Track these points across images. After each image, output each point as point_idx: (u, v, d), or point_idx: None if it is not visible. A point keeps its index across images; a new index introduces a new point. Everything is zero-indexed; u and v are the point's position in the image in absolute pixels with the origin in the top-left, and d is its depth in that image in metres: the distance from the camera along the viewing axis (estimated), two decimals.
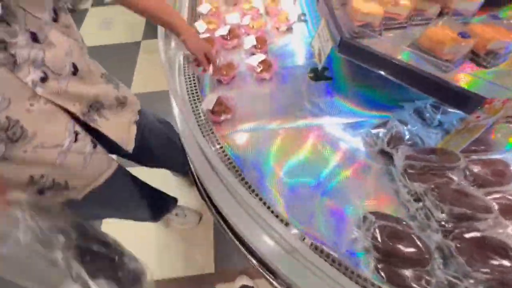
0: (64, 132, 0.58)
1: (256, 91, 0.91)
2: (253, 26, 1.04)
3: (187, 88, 0.87)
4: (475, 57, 0.64)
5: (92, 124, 0.64)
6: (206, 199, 0.78)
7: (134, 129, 0.79)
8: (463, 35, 0.61)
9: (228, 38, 0.99)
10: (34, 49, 0.50)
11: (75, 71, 0.59)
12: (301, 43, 1.03)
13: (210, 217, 1.31)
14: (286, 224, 0.63)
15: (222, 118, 0.82)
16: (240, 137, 0.80)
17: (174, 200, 1.28)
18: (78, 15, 2.41)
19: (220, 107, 0.82)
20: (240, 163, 0.74)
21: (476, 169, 0.63)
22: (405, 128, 0.72)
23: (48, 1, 0.55)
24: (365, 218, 0.60)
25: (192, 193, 1.43)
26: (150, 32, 2.18)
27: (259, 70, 0.90)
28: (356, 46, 0.67)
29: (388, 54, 0.65)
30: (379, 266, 0.55)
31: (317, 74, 0.93)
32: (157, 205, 1.14)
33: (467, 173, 0.63)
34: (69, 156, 0.60)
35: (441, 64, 0.62)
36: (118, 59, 2.06)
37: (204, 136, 0.77)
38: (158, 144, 0.96)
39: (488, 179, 0.62)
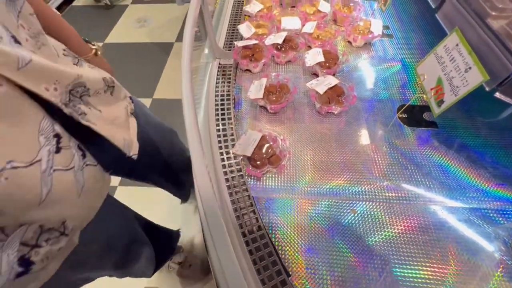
0: (36, 136, 0.32)
1: (317, 129, 0.61)
2: (318, 36, 0.75)
3: (217, 118, 0.59)
4: None
5: (82, 121, 0.37)
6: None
7: (134, 123, 0.52)
8: None
9: (283, 49, 0.71)
10: None
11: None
12: (384, 66, 0.73)
13: None
14: None
15: (265, 170, 0.52)
16: (286, 207, 0.50)
17: (177, 235, 0.99)
18: (116, 11, 2.30)
19: (262, 153, 0.53)
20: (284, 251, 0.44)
21: None
22: None
23: None
24: None
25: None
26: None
27: (326, 101, 0.61)
28: None
29: None
30: None
31: (415, 116, 0.61)
32: (161, 247, 0.86)
33: None
34: (55, 179, 0.33)
35: None
36: (149, 59, 1.89)
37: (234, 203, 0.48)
38: (163, 145, 0.67)
39: None
